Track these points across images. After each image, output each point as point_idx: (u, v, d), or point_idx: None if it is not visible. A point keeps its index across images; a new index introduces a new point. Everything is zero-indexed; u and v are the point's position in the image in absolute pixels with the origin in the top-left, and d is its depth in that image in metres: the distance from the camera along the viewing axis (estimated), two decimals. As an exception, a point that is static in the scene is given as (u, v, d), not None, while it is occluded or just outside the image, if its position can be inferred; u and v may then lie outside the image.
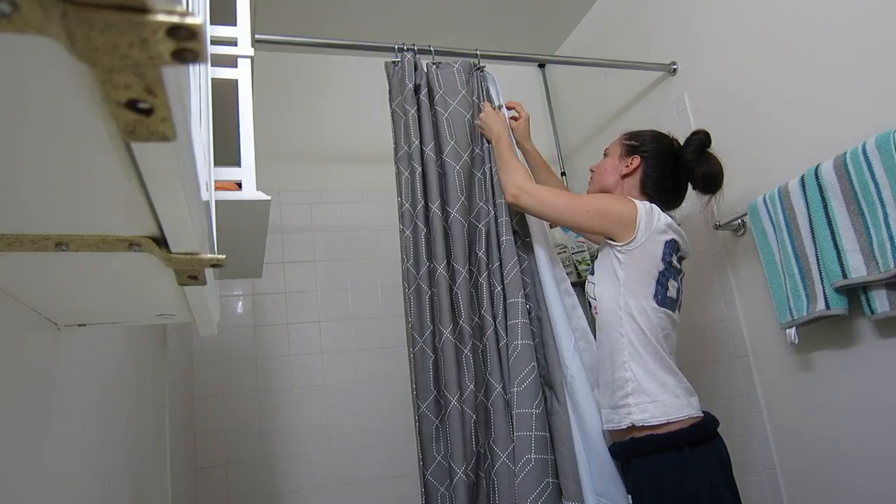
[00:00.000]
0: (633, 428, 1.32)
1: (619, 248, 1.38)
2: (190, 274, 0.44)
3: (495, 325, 1.52)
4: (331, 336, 2.28)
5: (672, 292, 1.39)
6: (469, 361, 1.49)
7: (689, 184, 1.53)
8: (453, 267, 1.56)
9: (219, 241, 0.83)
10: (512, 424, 1.44)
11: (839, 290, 1.43)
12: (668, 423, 1.29)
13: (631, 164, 1.50)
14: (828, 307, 1.44)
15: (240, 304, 2.25)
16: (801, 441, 1.64)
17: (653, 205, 1.42)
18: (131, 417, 1.02)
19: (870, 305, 1.38)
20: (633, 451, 1.33)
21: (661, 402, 1.31)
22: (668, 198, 1.50)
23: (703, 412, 1.36)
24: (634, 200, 1.41)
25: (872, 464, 1.45)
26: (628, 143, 1.54)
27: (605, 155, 1.59)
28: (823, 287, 1.45)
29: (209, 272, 0.47)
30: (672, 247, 1.39)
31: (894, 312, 1.34)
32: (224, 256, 0.44)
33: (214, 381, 2.12)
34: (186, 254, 0.41)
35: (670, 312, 1.38)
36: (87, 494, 0.73)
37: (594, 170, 1.60)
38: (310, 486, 2.11)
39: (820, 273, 1.46)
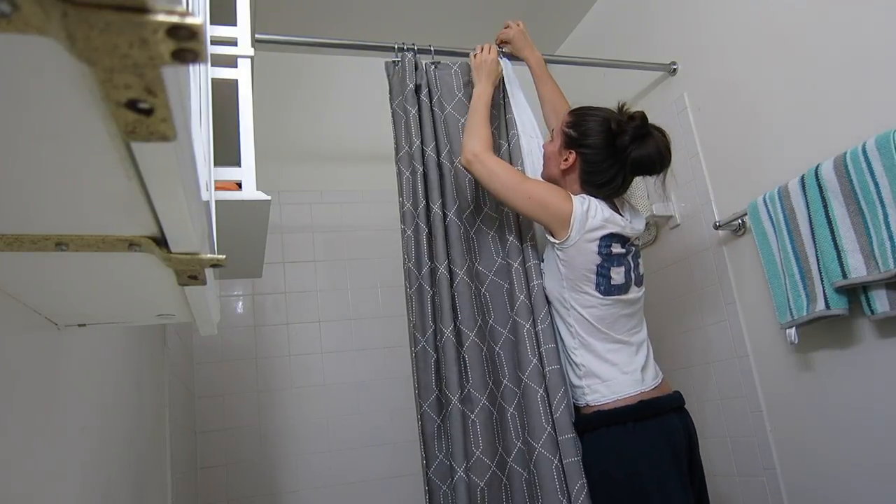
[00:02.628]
0: (587, 406, 1.40)
1: (556, 245, 1.43)
2: (190, 274, 0.44)
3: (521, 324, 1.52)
4: (331, 336, 2.28)
5: (619, 278, 1.41)
6: (485, 359, 1.49)
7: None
8: (452, 268, 1.56)
9: (219, 241, 0.83)
10: (552, 417, 1.44)
11: (839, 290, 1.43)
12: (616, 401, 1.36)
13: (567, 159, 1.47)
14: (828, 307, 1.44)
15: (240, 304, 2.25)
16: (801, 441, 1.64)
17: (591, 201, 1.41)
18: (131, 417, 1.02)
19: (870, 305, 1.38)
20: (584, 427, 1.40)
21: (610, 381, 1.38)
22: (609, 191, 1.46)
23: (674, 391, 1.43)
24: (574, 199, 1.41)
25: (872, 464, 1.45)
26: (567, 131, 1.48)
27: (551, 138, 1.56)
28: (823, 287, 1.45)
29: (209, 272, 0.47)
30: (609, 240, 1.40)
31: (894, 312, 1.34)
32: (224, 256, 0.44)
33: (214, 381, 2.12)
34: (186, 254, 0.41)
35: (621, 297, 1.41)
36: (87, 494, 0.73)
37: (543, 151, 1.59)
38: (310, 486, 2.11)
39: (820, 273, 1.46)
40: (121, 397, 0.95)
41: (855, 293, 1.43)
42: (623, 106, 1.46)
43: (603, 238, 1.39)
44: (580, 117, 1.48)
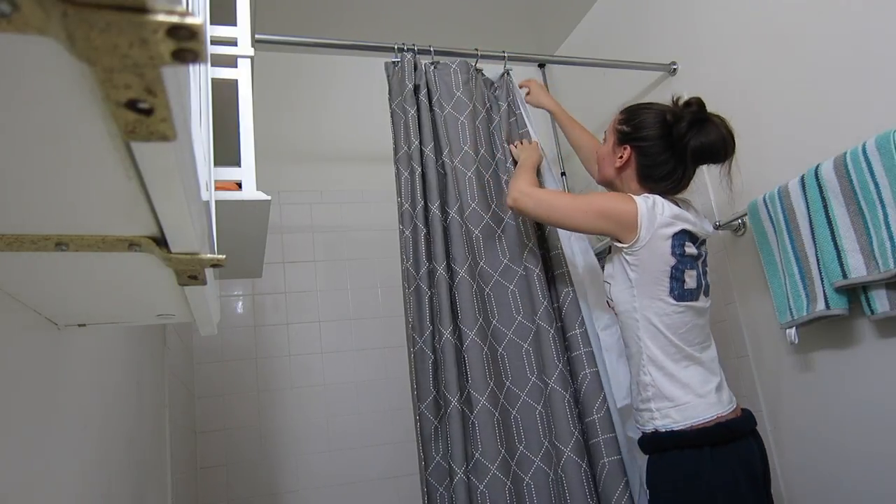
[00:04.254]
0: (656, 431, 1.31)
1: (626, 251, 1.34)
2: (190, 274, 0.44)
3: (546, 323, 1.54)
4: (331, 336, 2.28)
5: (691, 282, 1.32)
6: (486, 360, 1.50)
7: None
8: (452, 268, 1.56)
9: (219, 241, 0.83)
10: (579, 421, 1.46)
11: (839, 290, 1.43)
12: (695, 425, 1.26)
13: (623, 156, 1.41)
14: (828, 307, 1.44)
15: (240, 304, 2.25)
16: (801, 441, 1.64)
17: (655, 198, 1.34)
18: (131, 417, 1.02)
19: (870, 305, 1.38)
20: (652, 447, 1.32)
21: (683, 405, 1.28)
22: (670, 185, 1.39)
23: (742, 409, 1.34)
24: (635, 198, 1.34)
25: (873, 464, 1.45)
26: (620, 128, 1.43)
27: (604, 139, 1.51)
28: (823, 287, 1.45)
29: (209, 272, 0.47)
30: (682, 237, 1.31)
31: (894, 312, 1.34)
32: (224, 256, 0.44)
33: (214, 381, 2.12)
34: (186, 254, 0.41)
35: (693, 303, 1.32)
36: (88, 494, 0.73)
37: (597, 156, 1.55)
38: (310, 486, 2.11)
39: (820, 273, 1.46)
40: (121, 397, 0.95)
41: (855, 293, 1.43)
42: (678, 99, 1.39)
43: (675, 235, 1.30)
44: (632, 112, 1.43)
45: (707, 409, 1.27)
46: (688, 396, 1.28)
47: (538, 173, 1.65)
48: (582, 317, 1.55)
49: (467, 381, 1.47)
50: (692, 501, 1.22)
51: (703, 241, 1.40)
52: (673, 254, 1.30)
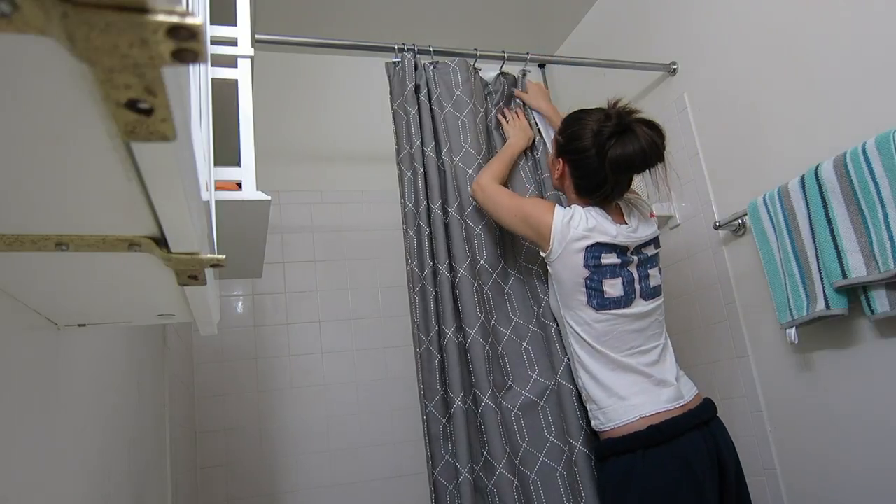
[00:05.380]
0: (598, 433, 1.36)
1: (546, 260, 1.39)
2: (190, 274, 0.44)
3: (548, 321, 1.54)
4: (331, 336, 2.28)
5: (614, 291, 1.33)
6: (488, 357, 1.50)
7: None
8: (454, 267, 1.56)
9: (219, 241, 0.83)
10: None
11: (839, 290, 1.43)
12: (618, 427, 1.29)
13: (559, 168, 1.44)
14: (828, 307, 1.44)
15: (240, 304, 2.24)
16: (801, 441, 1.64)
17: (576, 210, 1.36)
18: (131, 417, 1.02)
19: (870, 305, 1.38)
20: (597, 456, 1.36)
21: (606, 407, 1.32)
22: (600, 195, 1.38)
23: (699, 405, 1.33)
24: (557, 210, 1.36)
25: (873, 463, 1.45)
26: (557, 138, 1.44)
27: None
28: (823, 287, 1.45)
29: (209, 272, 0.47)
30: (597, 250, 1.32)
31: (894, 312, 1.34)
32: (224, 256, 0.44)
33: (214, 381, 2.12)
34: (186, 254, 0.41)
35: (619, 311, 1.33)
36: (88, 494, 0.73)
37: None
38: (310, 486, 2.11)
39: (820, 273, 1.46)
40: (121, 397, 0.95)
41: (855, 293, 1.43)
42: (615, 103, 1.36)
43: (589, 248, 1.32)
44: (568, 122, 1.43)
45: (627, 411, 1.29)
46: (610, 400, 1.31)
47: (527, 154, 1.67)
48: None
49: (472, 381, 1.48)
50: None
51: (648, 244, 1.40)
52: (586, 265, 1.32)
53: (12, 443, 0.50)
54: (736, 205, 1.77)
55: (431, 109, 1.69)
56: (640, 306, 1.36)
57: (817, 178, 1.45)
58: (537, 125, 1.75)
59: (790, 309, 1.53)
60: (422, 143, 1.64)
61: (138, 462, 1.04)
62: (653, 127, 1.32)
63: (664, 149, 1.32)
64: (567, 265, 1.33)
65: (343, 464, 2.15)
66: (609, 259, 1.33)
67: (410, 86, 1.67)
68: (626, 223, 1.40)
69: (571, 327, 1.37)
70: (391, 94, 1.72)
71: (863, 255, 1.36)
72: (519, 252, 1.62)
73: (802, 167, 1.52)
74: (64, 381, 0.65)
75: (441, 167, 1.65)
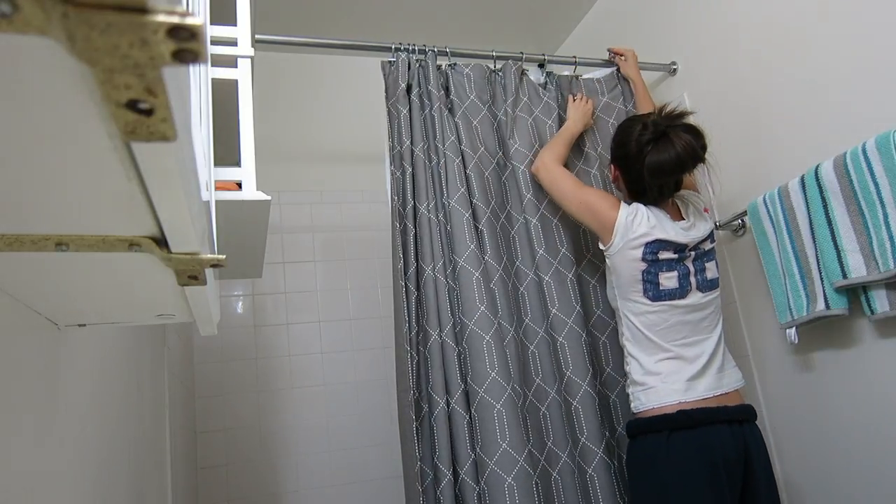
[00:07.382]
0: (634, 414, 1.42)
1: (605, 252, 1.45)
2: (190, 274, 0.44)
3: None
4: (331, 336, 2.28)
5: (669, 283, 1.39)
6: (535, 358, 1.56)
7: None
8: (436, 266, 1.56)
9: (219, 241, 0.83)
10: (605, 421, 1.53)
11: (839, 290, 1.43)
12: (653, 409, 1.35)
13: (614, 173, 1.53)
14: (828, 307, 1.44)
15: (240, 304, 2.25)
16: (800, 441, 1.64)
17: (639, 209, 1.43)
18: (131, 417, 1.02)
19: (870, 305, 1.38)
20: (628, 434, 1.42)
21: (650, 388, 1.38)
22: (651, 197, 1.45)
23: (738, 405, 1.37)
24: (622, 207, 1.43)
25: (872, 464, 1.45)
26: (612, 144, 1.51)
27: None
28: (823, 287, 1.45)
29: (209, 272, 0.47)
30: (655, 246, 1.39)
31: (894, 312, 1.34)
32: (224, 256, 0.44)
33: (214, 381, 2.12)
34: (186, 254, 0.41)
35: (675, 302, 1.40)
36: (88, 494, 0.73)
37: None
38: (310, 486, 2.11)
39: (820, 273, 1.46)
40: (121, 397, 0.95)
41: (855, 293, 1.43)
42: (661, 109, 1.41)
43: (648, 244, 1.38)
44: (618, 129, 1.51)
45: (669, 394, 1.35)
46: (654, 381, 1.38)
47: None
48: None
49: (459, 380, 1.48)
50: (648, 483, 1.31)
51: (704, 240, 1.46)
52: (644, 259, 1.39)
53: (12, 443, 0.50)
54: (736, 205, 1.77)
55: (422, 109, 1.70)
56: (695, 297, 1.42)
57: (817, 179, 1.45)
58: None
59: (790, 309, 1.53)
60: (411, 142, 1.66)
61: (138, 462, 1.04)
62: (691, 131, 1.37)
63: (704, 151, 1.37)
64: (626, 258, 1.41)
65: (343, 464, 2.15)
66: (666, 255, 1.40)
67: (402, 85, 1.69)
68: (683, 219, 1.47)
69: (626, 317, 1.44)
70: (386, 93, 1.73)
71: (863, 256, 1.36)
72: (550, 264, 1.64)
73: (802, 167, 1.52)
74: (64, 382, 0.65)
75: (428, 167, 1.65)
